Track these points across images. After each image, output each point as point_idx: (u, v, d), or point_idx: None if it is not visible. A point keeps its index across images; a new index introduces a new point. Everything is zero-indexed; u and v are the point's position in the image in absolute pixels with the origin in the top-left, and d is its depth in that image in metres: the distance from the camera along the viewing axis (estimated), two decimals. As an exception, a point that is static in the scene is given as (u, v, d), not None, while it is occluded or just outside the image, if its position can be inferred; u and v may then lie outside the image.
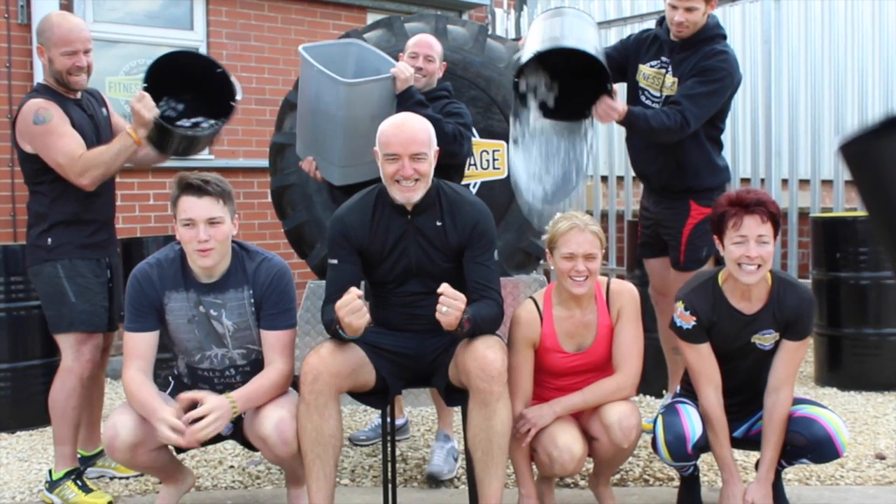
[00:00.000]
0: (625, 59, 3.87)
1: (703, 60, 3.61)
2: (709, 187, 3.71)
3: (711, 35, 3.67)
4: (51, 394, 3.39)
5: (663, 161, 3.72)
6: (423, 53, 3.66)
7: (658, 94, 3.73)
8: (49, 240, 3.36)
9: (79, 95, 3.41)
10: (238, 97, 3.46)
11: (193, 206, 2.80)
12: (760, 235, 2.82)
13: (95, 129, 3.43)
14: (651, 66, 3.77)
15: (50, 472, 3.42)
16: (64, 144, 3.25)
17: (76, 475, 3.37)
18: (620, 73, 3.87)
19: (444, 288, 2.65)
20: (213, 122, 3.47)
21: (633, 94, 3.85)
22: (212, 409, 2.67)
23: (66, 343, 3.37)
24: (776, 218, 2.85)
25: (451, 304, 2.63)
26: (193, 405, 2.73)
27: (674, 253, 3.80)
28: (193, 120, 3.49)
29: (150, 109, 3.23)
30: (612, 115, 3.41)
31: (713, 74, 3.59)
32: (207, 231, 2.79)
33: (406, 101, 3.39)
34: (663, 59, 3.73)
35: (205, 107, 3.50)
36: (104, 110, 3.55)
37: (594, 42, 3.35)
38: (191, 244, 2.82)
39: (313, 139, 3.51)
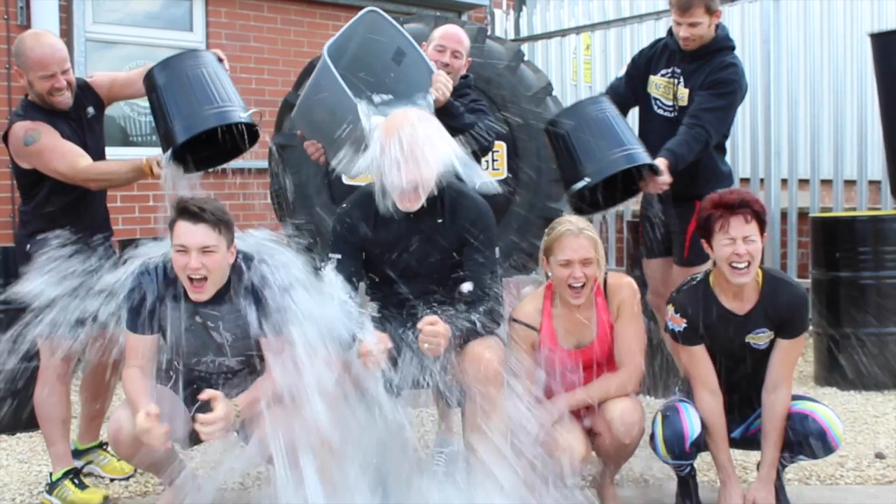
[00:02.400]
0: (636, 80, 3.90)
1: (715, 73, 3.66)
2: (716, 187, 3.72)
3: (721, 47, 3.72)
4: (34, 398, 3.44)
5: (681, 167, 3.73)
6: (451, 48, 3.44)
7: (670, 104, 3.78)
8: (28, 245, 3.41)
9: (69, 107, 3.41)
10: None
11: (188, 233, 2.77)
12: (747, 236, 2.83)
13: (84, 141, 3.44)
14: (662, 76, 3.81)
15: (50, 474, 3.44)
16: (60, 157, 3.29)
17: (73, 474, 3.40)
18: (634, 98, 3.93)
19: (423, 325, 2.64)
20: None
21: (645, 105, 3.89)
22: (218, 419, 2.66)
23: (43, 343, 3.42)
24: (761, 216, 2.87)
25: (431, 341, 2.64)
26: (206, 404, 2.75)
27: (677, 250, 3.80)
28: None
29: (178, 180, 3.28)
30: (665, 186, 3.46)
31: (726, 87, 3.66)
32: (200, 259, 2.76)
33: (443, 115, 3.15)
34: (675, 69, 3.77)
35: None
36: (91, 109, 3.52)
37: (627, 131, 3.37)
38: (183, 271, 2.80)
39: (333, 146, 3.35)
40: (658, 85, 3.82)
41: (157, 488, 3.44)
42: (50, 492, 3.38)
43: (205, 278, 2.80)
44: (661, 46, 3.88)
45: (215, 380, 3.01)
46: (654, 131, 3.79)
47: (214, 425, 2.65)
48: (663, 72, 3.80)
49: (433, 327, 2.64)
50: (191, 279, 2.80)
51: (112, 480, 3.62)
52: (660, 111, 3.82)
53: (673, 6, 3.68)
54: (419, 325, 2.65)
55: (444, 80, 3.19)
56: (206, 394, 2.71)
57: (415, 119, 2.79)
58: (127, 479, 3.62)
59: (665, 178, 3.42)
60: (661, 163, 3.45)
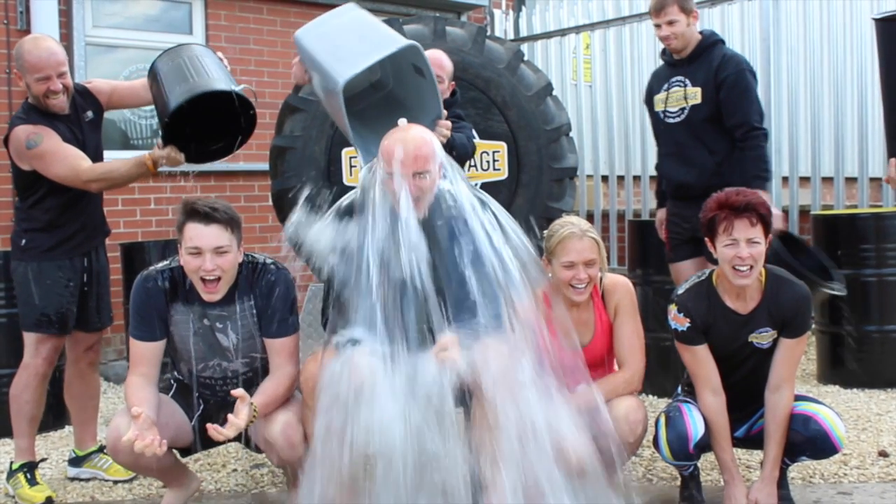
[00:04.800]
0: (651, 112, 4.19)
1: (722, 71, 3.88)
2: (744, 183, 3.86)
3: (711, 42, 3.98)
4: (10, 390, 3.54)
5: (701, 164, 3.92)
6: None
7: (675, 109, 4.00)
8: (23, 241, 3.50)
9: (66, 111, 3.46)
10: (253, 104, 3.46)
11: (201, 235, 2.75)
12: (751, 238, 2.82)
13: (83, 144, 3.48)
14: (664, 92, 4.05)
15: (11, 463, 3.55)
16: (61, 161, 3.36)
17: (28, 468, 3.49)
18: None
19: (438, 352, 2.61)
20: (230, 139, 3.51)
21: (656, 121, 4.15)
22: (240, 428, 2.66)
23: (28, 340, 3.52)
24: (766, 219, 2.86)
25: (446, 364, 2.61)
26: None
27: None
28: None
29: (177, 163, 3.33)
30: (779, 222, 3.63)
31: (740, 79, 3.87)
32: (214, 261, 2.75)
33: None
34: (673, 79, 4.02)
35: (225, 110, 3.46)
36: (89, 114, 3.58)
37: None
38: (196, 273, 2.79)
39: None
40: (662, 100, 4.06)
41: (161, 491, 3.44)
42: (7, 480, 3.52)
43: (219, 279, 2.80)
44: (655, 73, 4.22)
45: (220, 385, 3.01)
46: (668, 139, 4.09)
47: (233, 431, 2.63)
48: (664, 88, 4.05)
49: (446, 353, 2.60)
50: (204, 280, 2.79)
51: (116, 483, 3.62)
52: (670, 119, 4.04)
53: (650, 11, 4.01)
54: (434, 349, 2.61)
55: (445, 130, 3.16)
56: (237, 392, 2.68)
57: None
58: (130, 480, 3.62)
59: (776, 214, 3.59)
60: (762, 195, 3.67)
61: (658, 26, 3.95)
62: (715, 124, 3.91)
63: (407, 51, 2.94)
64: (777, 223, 3.63)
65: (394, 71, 3.18)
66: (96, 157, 3.57)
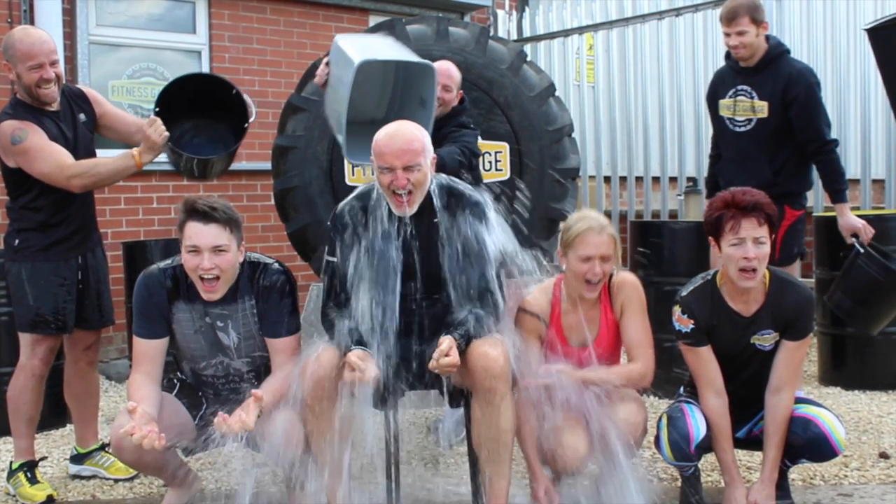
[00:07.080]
0: (713, 113, 4.22)
1: (792, 89, 3.91)
2: (799, 191, 4.05)
3: (778, 53, 3.98)
4: (8, 391, 3.54)
5: (760, 175, 3.92)
6: (441, 83, 3.50)
7: (742, 119, 4.04)
8: (16, 241, 3.48)
9: (55, 107, 3.43)
10: (252, 118, 3.49)
11: (199, 234, 2.77)
12: (757, 237, 2.82)
13: (74, 142, 3.46)
14: (729, 98, 4.07)
15: (11, 463, 3.56)
16: (46, 156, 3.32)
17: (28, 467, 3.50)
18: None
19: (439, 357, 2.60)
20: (222, 145, 3.55)
21: (720, 126, 4.18)
22: (249, 426, 2.66)
23: (24, 341, 3.51)
24: (772, 219, 2.86)
25: (445, 371, 2.62)
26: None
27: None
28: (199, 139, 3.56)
29: (160, 134, 3.29)
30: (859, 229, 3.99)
31: (812, 97, 3.92)
32: (212, 259, 2.77)
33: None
34: (738, 87, 4.04)
35: (220, 125, 3.56)
36: (83, 116, 3.55)
37: None
38: (195, 272, 2.80)
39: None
40: (728, 106, 4.08)
41: (162, 490, 3.45)
42: (8, 479, 3.53)
43: (217, 277, 2.81)
44: (720, 74, 4.21)
45: (223, 384, 3.02)
46: (731, 146, 4.12)
47: (239, 427, 2.63)
48: (729, 94, 4.07)
49: (448, 359, 2.60)
50: (202, 279, 2.81)
51: (117, 482, 3.63)
52: (734, 128, 4.08)
53: (721, 19, 3.97)
54: (435, 355, 2.60)
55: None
56: (257, 392, 2.68)
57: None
58: (131, 479, 3.63)
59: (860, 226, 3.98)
60: (841, 207, 4.01)
61: (727, 35, 3.94)
62: (779, 137, 3.97)
63: (422, 71, 3.16)
64: (866, 235, 3.89)
65: (400, 106, 3.40)
66: (87, 157, 3.51)
